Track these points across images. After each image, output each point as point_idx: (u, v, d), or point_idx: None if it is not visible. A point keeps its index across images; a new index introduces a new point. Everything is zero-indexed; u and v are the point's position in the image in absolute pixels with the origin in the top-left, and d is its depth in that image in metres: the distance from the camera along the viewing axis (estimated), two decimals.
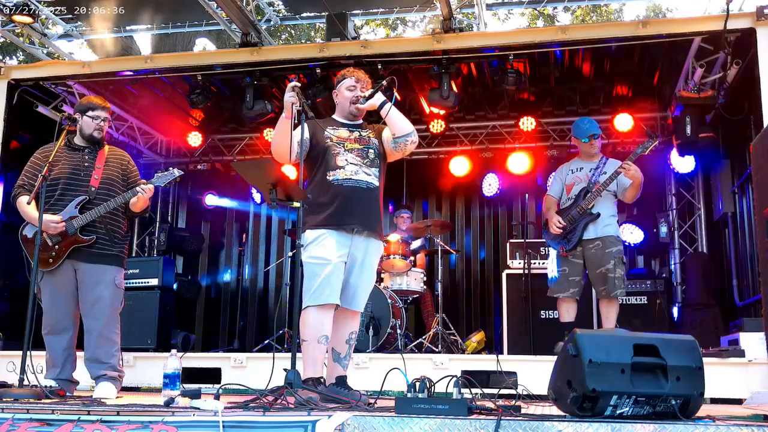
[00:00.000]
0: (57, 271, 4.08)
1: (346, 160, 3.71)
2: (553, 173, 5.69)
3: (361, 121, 3.93)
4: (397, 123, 3.73)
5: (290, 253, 7.43)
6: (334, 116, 3.92)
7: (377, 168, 3.79)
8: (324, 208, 3.63)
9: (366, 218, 3.69)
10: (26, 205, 4.12)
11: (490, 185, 8.34)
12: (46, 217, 3.98)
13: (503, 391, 4.08)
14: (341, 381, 3.68)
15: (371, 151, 3.79)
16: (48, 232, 4.02)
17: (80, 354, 4.24)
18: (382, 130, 3.86)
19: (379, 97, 3.72)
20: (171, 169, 4.29)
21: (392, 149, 3.83)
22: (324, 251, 3.56)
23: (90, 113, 4.23)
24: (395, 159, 3.93)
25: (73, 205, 4.09)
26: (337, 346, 3.73)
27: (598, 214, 5.16)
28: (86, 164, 4.22)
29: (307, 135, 3.72)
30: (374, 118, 4.00)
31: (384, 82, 3.69)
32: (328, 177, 3.66)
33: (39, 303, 4.10)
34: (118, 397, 4.01)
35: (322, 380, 3.57)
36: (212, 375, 5.49)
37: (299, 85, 3.55)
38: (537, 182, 8.13)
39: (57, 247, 4.06)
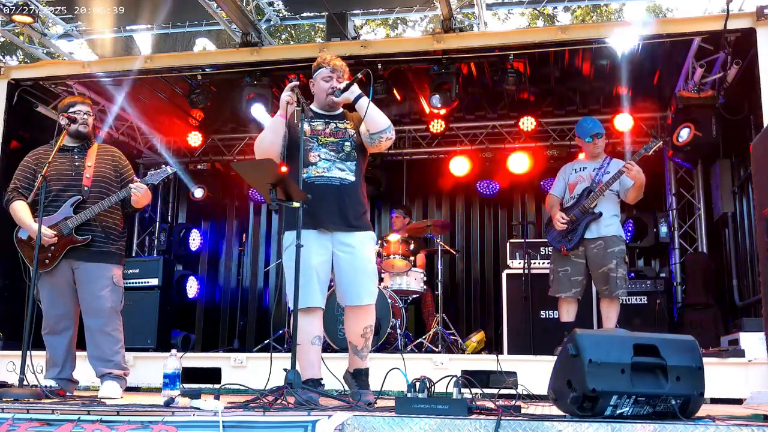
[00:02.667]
0: (54, 271, 4.08)
1: (319, 155, 3.59)
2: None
3: (340, 110, 3.78)
4: (373, 118, 3.55)
5: None
6: (311, 106, 3.75)
7: (354, 161, 3.64)
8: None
9: (342, 216, 3.57)
10: (20, 211, 4.12)
11: (488, 186, 8.41)
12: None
13: (503, 391, 4.08)
14: (357, 373, 3.67)
15: (347, 143, 3.64)
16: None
17: (80, 354, 4.24)
18: (362, 120, 3.66)
19: (355, 90, 3.56)
20: (164, 166, 4.27)
21: (368, 144, 3.67)
22: (302, 254, 3.31)
23: (71, 110, 4.24)
24: (373, 152, 3.80)
25: (68, 206, 4.09)
26: (354, 339, 3.66)
27: (600, 213, 5.15)
28: (76, 164, 4.21)
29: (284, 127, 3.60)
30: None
31: (360, 75, 3.54)
32: (302, 174, 3.52)
33: (38, 303, 4.10)
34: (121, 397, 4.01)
35: (321, 381, 3.56)
36: (212, 375, 5.50)
37: (299, 84, 3.52)
38: (537, 182, 8.13)
39: (53, 248, 4.05)
